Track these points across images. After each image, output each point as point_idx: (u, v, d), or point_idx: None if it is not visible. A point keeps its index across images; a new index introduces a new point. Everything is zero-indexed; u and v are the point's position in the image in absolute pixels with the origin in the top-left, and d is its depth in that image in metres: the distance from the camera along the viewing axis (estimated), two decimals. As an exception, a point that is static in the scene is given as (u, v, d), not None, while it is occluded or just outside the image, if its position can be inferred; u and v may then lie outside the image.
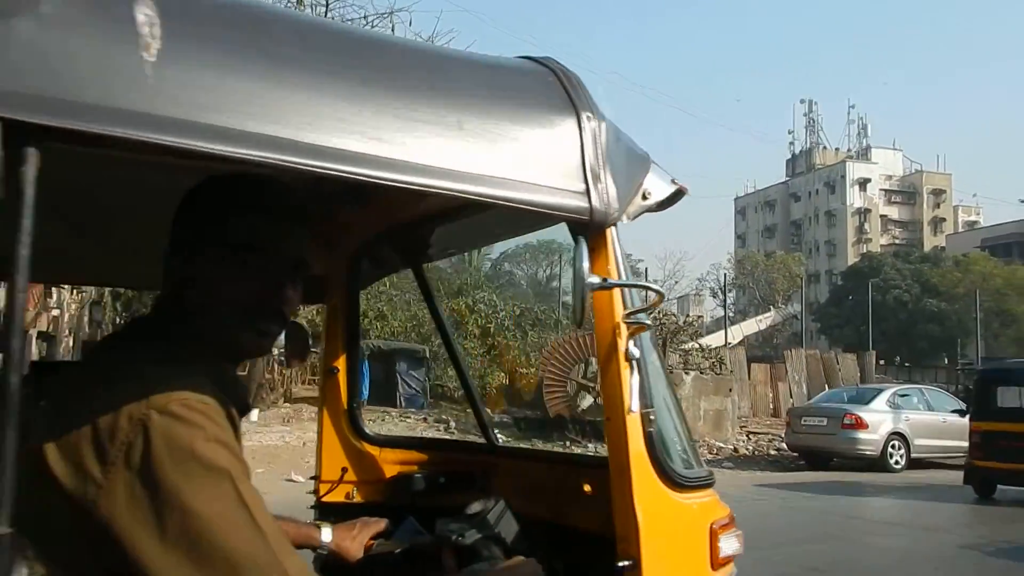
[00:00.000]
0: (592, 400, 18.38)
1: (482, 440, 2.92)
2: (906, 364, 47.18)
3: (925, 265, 59.42)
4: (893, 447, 17.88)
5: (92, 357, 1.57)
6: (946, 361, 48.40)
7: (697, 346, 25.78)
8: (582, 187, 1.65)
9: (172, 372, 1.33)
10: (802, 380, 27.88)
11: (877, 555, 9.40)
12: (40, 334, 27.51)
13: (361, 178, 1.35)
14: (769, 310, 61.74)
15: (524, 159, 1.60)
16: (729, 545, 1.88)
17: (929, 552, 9.43)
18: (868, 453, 17.62)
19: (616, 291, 1.71)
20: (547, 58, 1.84)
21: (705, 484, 1.89)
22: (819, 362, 29.43)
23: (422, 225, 2.42)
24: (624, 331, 1.71)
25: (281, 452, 14.98)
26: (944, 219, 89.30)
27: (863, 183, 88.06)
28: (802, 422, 18.66)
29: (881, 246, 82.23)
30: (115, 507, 1.22)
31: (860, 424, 17.67)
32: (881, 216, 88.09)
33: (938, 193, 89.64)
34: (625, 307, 1.74)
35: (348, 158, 1.35)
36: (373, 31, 1.65)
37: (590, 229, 1.66)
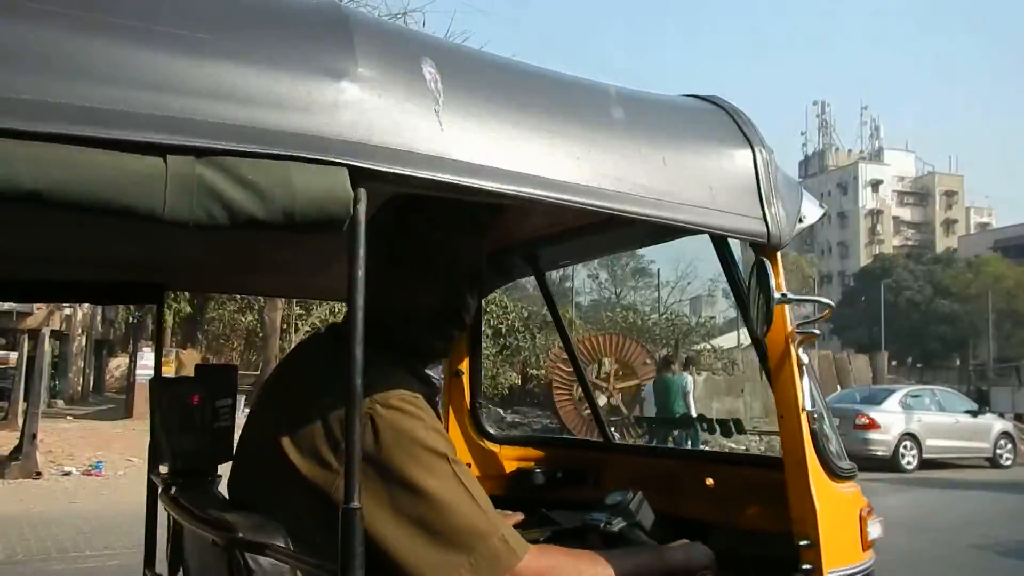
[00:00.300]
0: (606, 400, 18.39)
1: (597, 438, 3.13)
2: (918, 365, 46.99)
3: (937, 266, 59.25)
4: (905, 447, 17.83)
5: (303, 359, 1.80)
6: (958, 362, 48.21)
7: (709, 347, 25.76)
8: (759, 213, 1.88)
9: (386, 372, 1.55)
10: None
11: (889, 555, 9.38)
12: (53, 332, 27.68)
13: (594, 208, 1.58)
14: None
15: (712, 188, 1.82)
16: (874, 529, 2.07)
17: (941, 552, 9.41)
18: (880, 453, 17.56)
19: (786, 304, 1.92)
20: (715, 96, 2.08)
21: (852, 476, 2.06)
22: (831, 363, 29.38)
23: (560, 237, 2.59)
24: (796, 339, 1.93)
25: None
26: (956, 220, 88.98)
27: (875, 184, 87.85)
28: (814, 423, 18.58)
29: (893, 247, 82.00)
30: None
31: (872, 425, 17.64)
32: (893, 217, 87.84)
33: (950, 195, 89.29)
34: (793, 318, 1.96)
35: (583, 191, 1.55)
36: (584, 79, 1.85)
37: (767, 250, 1.89)
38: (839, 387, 26.26)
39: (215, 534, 1.54)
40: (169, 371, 22.13)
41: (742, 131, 1.96)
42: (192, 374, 2.52)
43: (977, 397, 18.80)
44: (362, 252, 1.28)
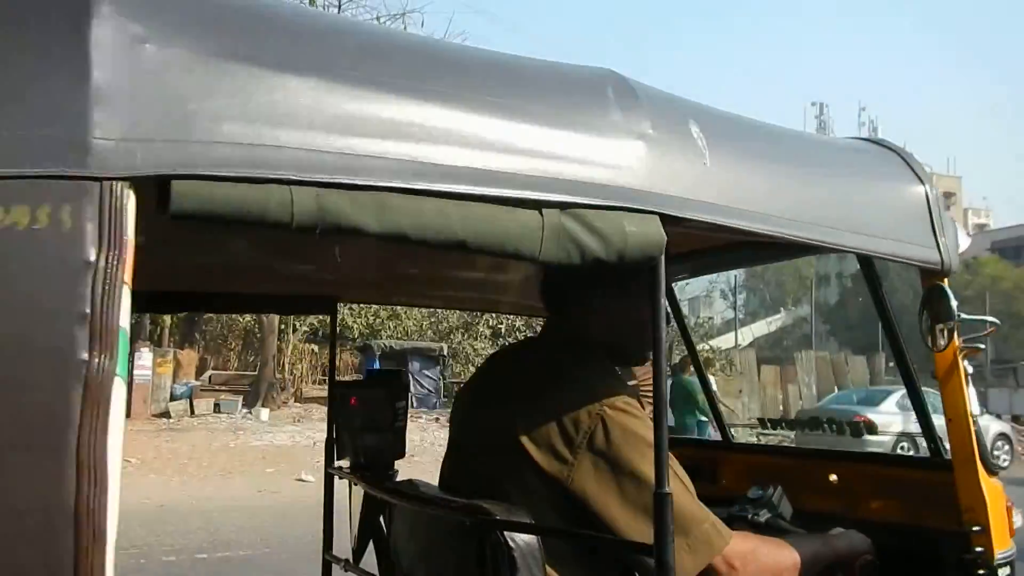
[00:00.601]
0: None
1: (717, 437, 3.48)
2: (915, 366, 46.90)
3: (935, 267, 58.99)
4: (902, 448, 17.84)
5: (518, 365, 2.05)
6: (956, 364, 48.01)
7: (707, 347, 25.78)
8: (933, 243, 2.17)
9: (604, 379, 1.84)
10: (812, 381, 27.82)
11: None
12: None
13: (811, 242, 1.87)
14: (779, 312, 61.52)
15: (895, 221, 2.12)
16: (1016, 520, 2.39)
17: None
18: (877, 455, 17.60)
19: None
20: (881, 139, 2.42)
21: (997, 472, 2.37)
22: (828, 364, 29.35)
23: (690, 255, 2.79)
24: (962, 352, 2.25)
25: (291, 452, 15.03)
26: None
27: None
28: (811, 424, 18.64)
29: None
30: (585, 481, 1.70)
31: (870, 425, 17.65)
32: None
33: (948, 195, 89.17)
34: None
35: (802, 226, 1.84)
36: (787, 129, 2.15)
37: (940, 275, 2.21)
38: (836, 388, 26.26)
39: (467, 517, 1.73)
40: (166, 371, 22.18)
41: (913, 170, 2.25)
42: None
43: (976, 398, 18.84)
44: (663, 285, 1.54)
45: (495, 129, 1.45)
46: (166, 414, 21.14)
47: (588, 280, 1.89)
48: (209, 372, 26.83)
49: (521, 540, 1.63)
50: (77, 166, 1.07)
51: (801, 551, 1.87)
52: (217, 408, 19.94)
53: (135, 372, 22.24)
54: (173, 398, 22.24)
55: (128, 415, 23.97)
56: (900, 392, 19.73)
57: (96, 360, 1.05)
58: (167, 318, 35.26)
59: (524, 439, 1.75)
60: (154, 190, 1.14)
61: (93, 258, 1.05)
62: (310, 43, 1.37)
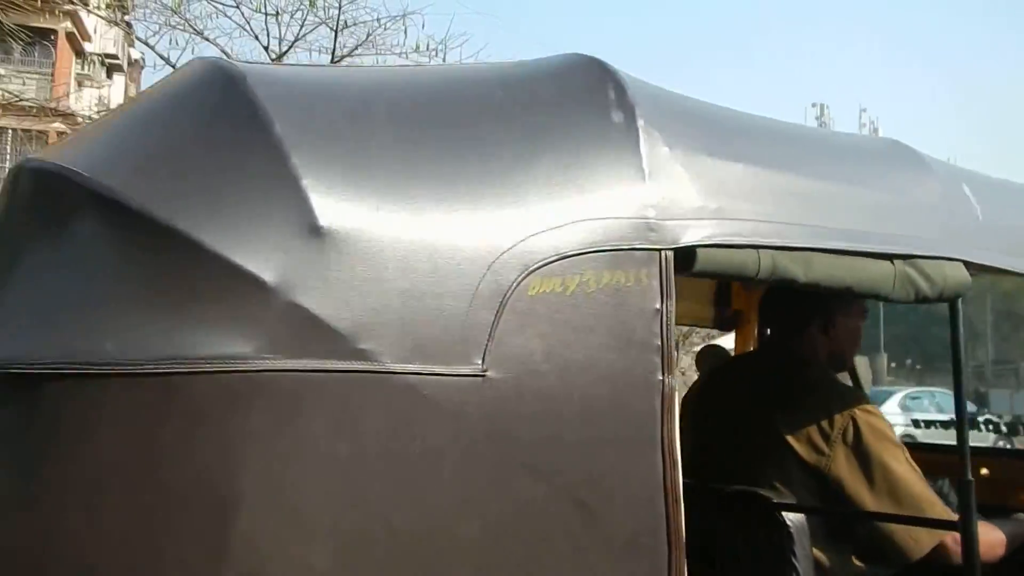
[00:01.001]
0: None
1: None
2: (917, 367, 46.90)
3: (935, 268, 58.94)
4: (905, 449, 17.82)
5: (760, 376, 2.42)
6: (957, 364, 47.87)
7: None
8: None
9: (849, 388, 2.36)
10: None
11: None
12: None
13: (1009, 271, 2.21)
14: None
15: None
16: None
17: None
18: (879, 455, 17.54)
19: None
20: None
21: None
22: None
23: None
24: None
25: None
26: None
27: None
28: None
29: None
30: (840, 469, 2.08)
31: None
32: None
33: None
34: None
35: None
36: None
37: None
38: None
39: (747, 501, 2.07)
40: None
41: None
42: None
43: (976, 398, 18.78)
44: (961, 316, 1.95)
45: (861, 198, 1.96)
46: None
47: (827, 305, 2.31)
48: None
49: (795, 519, 1.94)
50: (649, 241, 1.51)
51: (1008, 532, 2.18)
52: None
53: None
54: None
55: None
56: (902, 393, 19.76)
57: (667, 378, 1.47)
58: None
59: (788, 436, 2.12)
60: (682, 255, 1.55)
61: (659, 306, 1.49)
62: (765, 142, 1.99)
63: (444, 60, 22.22)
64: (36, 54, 27.92)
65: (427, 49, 20.99)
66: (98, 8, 23.38)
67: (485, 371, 1.33)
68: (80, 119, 25.86)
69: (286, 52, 22.03)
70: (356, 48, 21.62)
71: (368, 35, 21.66)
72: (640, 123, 1.58)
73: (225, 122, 1.41)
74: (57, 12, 27.43)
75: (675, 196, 1.57)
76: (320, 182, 1.31)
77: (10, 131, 27.95)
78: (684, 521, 1.46)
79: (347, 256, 1.29)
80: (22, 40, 19.51)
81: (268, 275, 1.24)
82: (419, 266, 1.33)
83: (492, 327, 1.34)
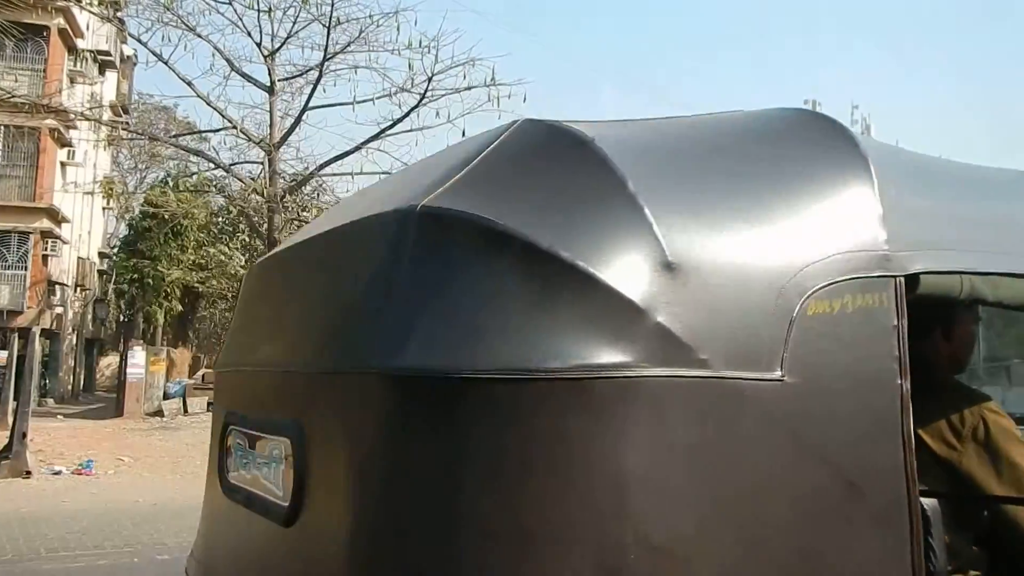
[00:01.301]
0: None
1: None
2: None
3: (928, 265, 59.07)
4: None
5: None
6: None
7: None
8: None
9: (975, 390, 2.53)
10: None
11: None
12: (44, 331, 27.54)
13: None
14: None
15: None
16: None
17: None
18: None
19: None
20: None
21: None
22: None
23: None
24: None
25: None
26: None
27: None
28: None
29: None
30: (971, 463, 2.30)
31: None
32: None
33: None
34: None
35: None
36: None
37: None
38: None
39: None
40: (159, 369, 22.11)
41: None
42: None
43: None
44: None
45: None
46: (159, 412, 21.14)
47: (948, 312, 2.48)
48: (202, 371, 26.76)
49: (930, 504, 2.04)
50: (887, 270, 1.84)
51: None
52: (210, 406, 19.90)
53: (128, 371, 22.21)
54: (166, 396, 22.24)
55: (121, 414, 23.71)
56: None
57: (903, 382, 1.80)
58: (160, 317, 35.15)
59: (920, 432, 2.21)
60: (909, 280, 1.87)
61: (895, 323, 1.81)
62: (959, 182, 2.49)
63: (436, 57, 22.23)
64: (28, 50, 27.84)
65: (419, 46, 21.14)
66: (91, 4, 23.37)
67: (783, 377, 1.68)
68: (72, 115, 25.89)
69: (279, 49, 22.10)
70: (349, 45, 21.73)
71: (361, 32, 21.77)
72: (873, 172, 1.95)
73: (580, 178, 1.83)
74: (50, 8, 27.46)
75: (901, 232, 1.91)
76: (665, 226, 1.70)
77: (2, 127, 27.98)
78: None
79: (689, 284, 1.66)
80: (14, 36, 19.56)
81: (639, 300, 1.61)
82: (734, 291, 1.70)
83: (786, 340, 1.69)
